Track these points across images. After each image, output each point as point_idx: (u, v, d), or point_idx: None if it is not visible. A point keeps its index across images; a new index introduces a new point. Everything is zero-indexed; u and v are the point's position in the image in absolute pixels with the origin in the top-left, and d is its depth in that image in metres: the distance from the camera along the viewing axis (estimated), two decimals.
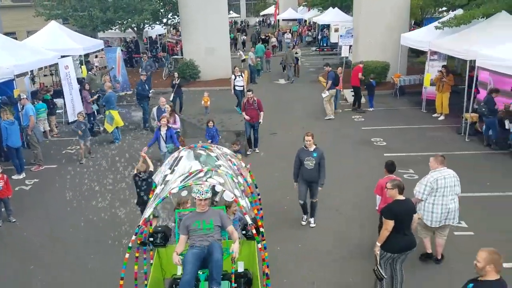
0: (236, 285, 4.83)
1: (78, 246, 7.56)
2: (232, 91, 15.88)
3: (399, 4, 18.38)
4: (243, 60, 23.45)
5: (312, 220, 7.92)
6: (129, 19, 20.95)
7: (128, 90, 19.87)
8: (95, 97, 14.01)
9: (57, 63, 14.86)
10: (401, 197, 5.43)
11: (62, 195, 9.32)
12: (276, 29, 46.34)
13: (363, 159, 10.85)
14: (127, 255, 4.43)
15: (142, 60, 21.70)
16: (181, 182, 4.72)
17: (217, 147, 6.06)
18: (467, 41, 12.45)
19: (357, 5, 20.04)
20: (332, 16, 31.49)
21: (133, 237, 4.53)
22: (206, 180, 4.71)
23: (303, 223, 7.93)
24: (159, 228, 5.38)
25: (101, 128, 13.75)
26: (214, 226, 4.85)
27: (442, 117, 13.86)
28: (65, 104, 14.75)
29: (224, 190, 4.78)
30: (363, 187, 9.05)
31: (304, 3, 50.47)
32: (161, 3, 23.39)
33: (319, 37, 35.00)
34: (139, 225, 4.68)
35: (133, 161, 10.06)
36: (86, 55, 20.51)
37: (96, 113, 14.53)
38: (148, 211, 4.69)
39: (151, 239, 5.23)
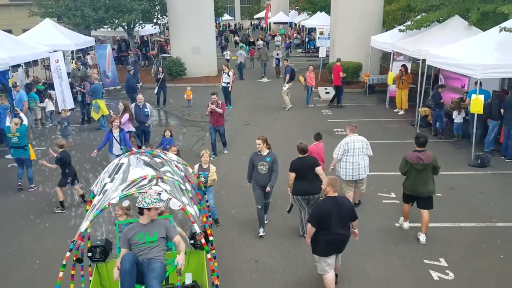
0: None
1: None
2: (220, 86, 17.15)
3: (371, 10, 19.67)
4: (228, 60, 24.71)
5: (265, 216, 7.83)
6: (120, 18, 22.16)
7: (117, 85, 21.05)
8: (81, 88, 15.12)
9: (48, 57, 16.07)
10: (302, 155, 7.11)
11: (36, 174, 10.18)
12: (268, 31, 47.77)
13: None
14: (61, 274, 4.13)
15: (128, 57, 22.99)
16: (122, 191, 4.35)
17: (163, 152, 5.77)
18: (421, 42, 13.78)
19: (334, 10, 21.35)
20: (319, 20, 32.69)
21: (68, 254, 4.17)
22: (150, 188, 4.35)
23: (261, 234, 7.49)
24: (98, 242, 5.07)
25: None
26: (158, 238, 4.62)
27: (401, 112, 15.17)
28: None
29: (171, 198, 4.33)
30: None
31: (296, 8, 51.85)
32: (151, 4, 24.61)
33: (306, 40, 36.38)
34: (74, 240, 4.26)
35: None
36: (83, 53, 21.76)
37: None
38: (85, 225, 4.27)
39: (90, 254, 4.92)
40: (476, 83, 10.65)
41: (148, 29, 27.81)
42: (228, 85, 16.69)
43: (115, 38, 30.17)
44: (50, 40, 17.33)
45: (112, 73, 21.20)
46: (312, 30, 34.37)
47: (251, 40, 34.80)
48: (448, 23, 14.20)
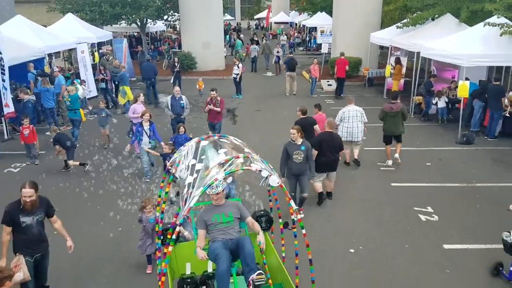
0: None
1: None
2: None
3: (370, 9, 21.17)
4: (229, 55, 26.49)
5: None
6: (135, 15, 23.58)
7: (133, 77, 22.44)
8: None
9: (74, 48, 17.50)
10: (304, 116, 9.17)
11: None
12: (269, 31, 49.28)
13: None
14: (170, 248, 4.28)
15: (139, 52, 24.53)
16: (220, 170, 4.40)
17: (234, 138, 5.61)
18: (416, 37, 15.28)
19: (335, 9, 22.85)
20: (319, 19, 34.23)
21: (178, 229, 4.26)
22: (249, 166, 4.40)
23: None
24: (168, 226, 5.19)
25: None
26: (233, 218, 4.76)
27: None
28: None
29: (270, 175, 4.37)
30: None
31: (296, 8, 53.37)
32: (163, 1, 26.04)
33: (308, 38, 37.90)
34: (184, 215, 4.35)
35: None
36: (99, 46, 23.17)
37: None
38: (193, 201, 4.24)
39: (162, 237, 5.11)
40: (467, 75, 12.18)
41: (159, 26, 29.24)
42: (237, 76, 18.21)
43: (125, 34, 31.60)
44: (73, 33, 18.72)
45: (128, 65, 22.56)
46: (312, 29, 35.88)
47: (256, 39, 36.33)
48: (440, 20, 15.72)
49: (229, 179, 5.68)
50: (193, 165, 4.77)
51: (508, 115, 11.93)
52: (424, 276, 6.18)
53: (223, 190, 4.79)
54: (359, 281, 6.09)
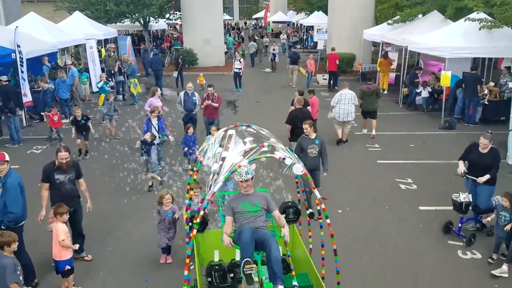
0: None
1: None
2: (232, 72, 19.76)
3: (363, 7, 22.27)
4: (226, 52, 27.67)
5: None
6: (138, 13, 24.61)
7: (137, 72, 23.44)
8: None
9: (83, 44, 18.54)
10: (300, 96, 10.29)
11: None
12: (267, 30, 50.37)
13: (321, 116, 14.64)
14: (194, 231, 4.37)
15: (142, 49, 25.64)
16: (245, 157, 4.48)
17: (260, 128, 5.72)
18: (405, 32, 16.36)
19: (330, 8, 23.94)
20: (316, 18, 35.25)
21: (201, 212, 4.42)
22: (273, 153, 4.46)
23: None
24: (196, 211, 5.18)
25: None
26: (260, 208, 4.76)
27: (385, 92, 17.82)
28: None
29: (294, 163, 4.39)
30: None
31: (293, 8, 54.44)
32: (165, 0, 27.09)
33: (305, 37, 38.99)
34: (209, 200, 4.44)
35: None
36: (105, 42, 24.19)
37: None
38: (217, 186, 4.36)
39: (190, 224, 5.10)
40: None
41: (161, 24, 30.28)
42: (240, 70, 19.25)
43: (128, 32, 32.60)
44: (82, 30, 19.76)
45: (134, 63, 23.60)
46: (309, 28, 36.95)
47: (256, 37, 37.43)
48: (428, 16, 16.81)
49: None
50: (219, 153, 4.86)
51: (486, 102, 13.01)
52: (400, 231, 7.25)
53: (252, 178, 4.74)
54: (344, 236, 7.12)
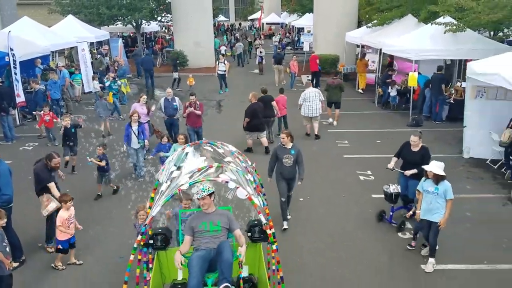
0: None
1: None
2: (216, 74, 20.56)
3: (347, 11, 23.13)
4: (224, 54, 28.28)
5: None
6: (130, 16, 25.42)
7: (129, 73, 24.29)
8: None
9: (74, 46, 19.36)
10: (264, 94, 11.96)
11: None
12: (261, 31, 51.24)
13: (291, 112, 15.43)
14: (131, 257, 4.23)
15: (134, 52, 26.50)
16: (190, 178, 4.46)
17: (222, 143, 5.82)
18: (381, 35, 17.19)
19: (316, 11, 24.81)
20: (307, 20, 36.05)
21: (139, 237, 4.32)
22: (217, 176, 4.45)
23: (285, 227, 7.62)
24: (160, 230, 5.16)
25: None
26: (221, 228, 4.68)
27: (361, 91, 18.71)
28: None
29: (238, 187, 4.39)
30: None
31: (287, 10, 55.32)
32: (157, 3, 27.91)
33: (296, 38, 39.83)
34: (145, 224, 4.46)
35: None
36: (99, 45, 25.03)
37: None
38: (156, 210, 4.39)
39: (151, 241, 5.01)
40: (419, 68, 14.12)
41: (153, 26, 31.11)
42: (224, 72, 20.08)
43: (120, 34, 33.42)
44: (74, 33, 20.55)
45: (124, 63, 24.40)
46: (301, 29, 37.79)
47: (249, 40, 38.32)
48: (403, 20, 17.64)
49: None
50: (172, 172, 4.93)
51: (452, 101, 13.85)
52: (350, 215, 8.10)
53: (210, 195, 4.68)
54: (304, 218, 7.96)
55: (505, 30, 15.46)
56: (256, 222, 5.15)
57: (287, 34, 46.14)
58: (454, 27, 13.31)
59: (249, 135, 11.61)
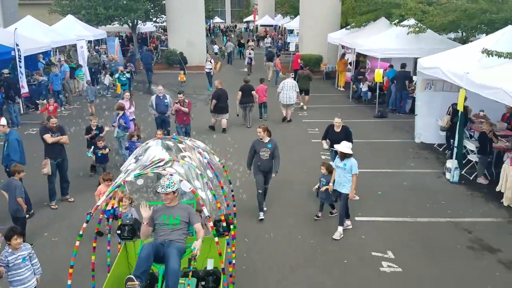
0: (204, 283, 4.86)
1: None
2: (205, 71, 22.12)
3: (330, 13, 24.69)
4: (217, 53, 29.98)
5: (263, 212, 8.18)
6: (126, 16, 26.90)
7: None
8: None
9: (75, 44, 20.84)
10: (246, 83, 13.93)
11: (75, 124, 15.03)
12: (255, 33, 52.82)
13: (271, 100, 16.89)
14: (77, 243, 4.32)
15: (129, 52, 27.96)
16: (138, 170, 4.61)
17: (190, 139, 6.05)
18: (357, 37, 18.73)
19: (301, 13, 26.39)
20: (298, 22, 37.68)
21: (84, 225, 4.39)
22: (164, 169, 4.56)
23: (261, 218, 8.07)
24: (127, 221, 5.33)
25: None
26: (180, 221, 4.82)
27: (342, 88, 20.24)
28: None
29: (182, 180, 4.51)
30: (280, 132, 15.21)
31: (281, 12, 56.91)
32: (152, 5, 29.40)
33: (287, 40, 41.35)
34: (89, 212, 4.55)
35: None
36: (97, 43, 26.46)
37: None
38: (102, 199, 4.60)
39: (118, 231, 5.17)
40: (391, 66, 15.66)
41: (148, 27, 32.62)
42: (211, 70, 21.57)
43: (118, 33, 34.92)
44: (74, 31, 22.03)
45: (120, 61, 25.86)
46: (291, 31, 39.35)
47: (242, 41, 39.86)
48: (377, 22, 19.19)
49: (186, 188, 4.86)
50: (129, 164, 5.14)
51: (414, 96, 15.37)
52: (305, 182, 9.49)
53: (174, 192, 4.84)
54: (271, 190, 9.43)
55: (459, 31, 16.92)
56: (219, 218, 5.27)
57: (279, 36, 47.66)
58: (417, 28, 14.85)
59: (214, 116, 13.78)
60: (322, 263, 6.78)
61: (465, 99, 9.51)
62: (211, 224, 4.50)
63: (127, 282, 4.24)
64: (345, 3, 23.86)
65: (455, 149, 9.73)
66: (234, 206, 6.59)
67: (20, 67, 15.15)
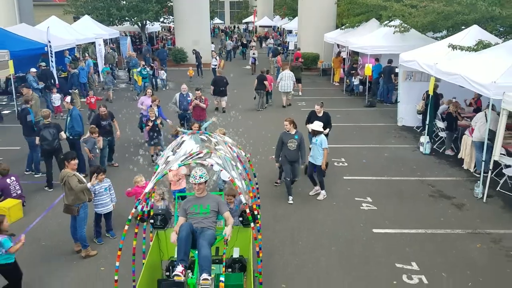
0: (230, 269, 5.18)
1: None
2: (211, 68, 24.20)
3: (327, 13, 26.79)
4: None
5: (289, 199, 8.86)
6: (137, 17, 28.94)
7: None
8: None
9: (94, 42, 22.89)
10: (262, 73, 16.25)
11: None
12: (254, 34, 54.87)
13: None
14: (126, 227, 4.53)
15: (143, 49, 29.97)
16: (181, 161, 4.85)
17: (218, 135, 6.40)
18: (350, 36, 20.82)
19: (300, 14, 28.50)
20: (296, 23, 39.68)
21: (133, 210, 4.65)
22: (204, 160, 4.78)
23: (290, 202, 8.83)
24: (160, 211, 5.62)
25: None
26: (210, 210, 5.10)
27: (337, 83, 22.32)
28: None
29: (222, 170, 4.74)
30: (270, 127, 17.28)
31: (280, 13, 58.95)
32: (160, 6, 31.46)
33: (287, 39, 43.43)
34: (139, 199, 4.84)
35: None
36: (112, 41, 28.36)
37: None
38: (149, 187, 4.84)
39: (152, 221, 5.44)
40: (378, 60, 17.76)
41: (156, 27, 34.72)
42: (216, 66, 23.61)
43: (127, 33, 36.94)
44: (91, 30, 24.03)
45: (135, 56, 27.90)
46: (290, 32, 41.42)
47: (244, 42, 41.90)
48: (368, 23, 21.29)
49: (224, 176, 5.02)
50: (168, 157, 5.42)
51: None
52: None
53: (205, 183, 5.15)
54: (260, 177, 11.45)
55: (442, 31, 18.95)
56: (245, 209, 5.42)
57: (279, 36, 49.77)
58: (402, 28, 16.93)
59: (215, 98, 16.53)
60: (316, 204, 8.85)
61: (437, 86, 11.60)
62: (247, 210, 4.88)
63: (174, 272, 4.55)
64: (340, 5, 25.93)
65: (426, 126, 11.81)
66: (258, 198, 6.91)
67: (52, 61, 17.16)
